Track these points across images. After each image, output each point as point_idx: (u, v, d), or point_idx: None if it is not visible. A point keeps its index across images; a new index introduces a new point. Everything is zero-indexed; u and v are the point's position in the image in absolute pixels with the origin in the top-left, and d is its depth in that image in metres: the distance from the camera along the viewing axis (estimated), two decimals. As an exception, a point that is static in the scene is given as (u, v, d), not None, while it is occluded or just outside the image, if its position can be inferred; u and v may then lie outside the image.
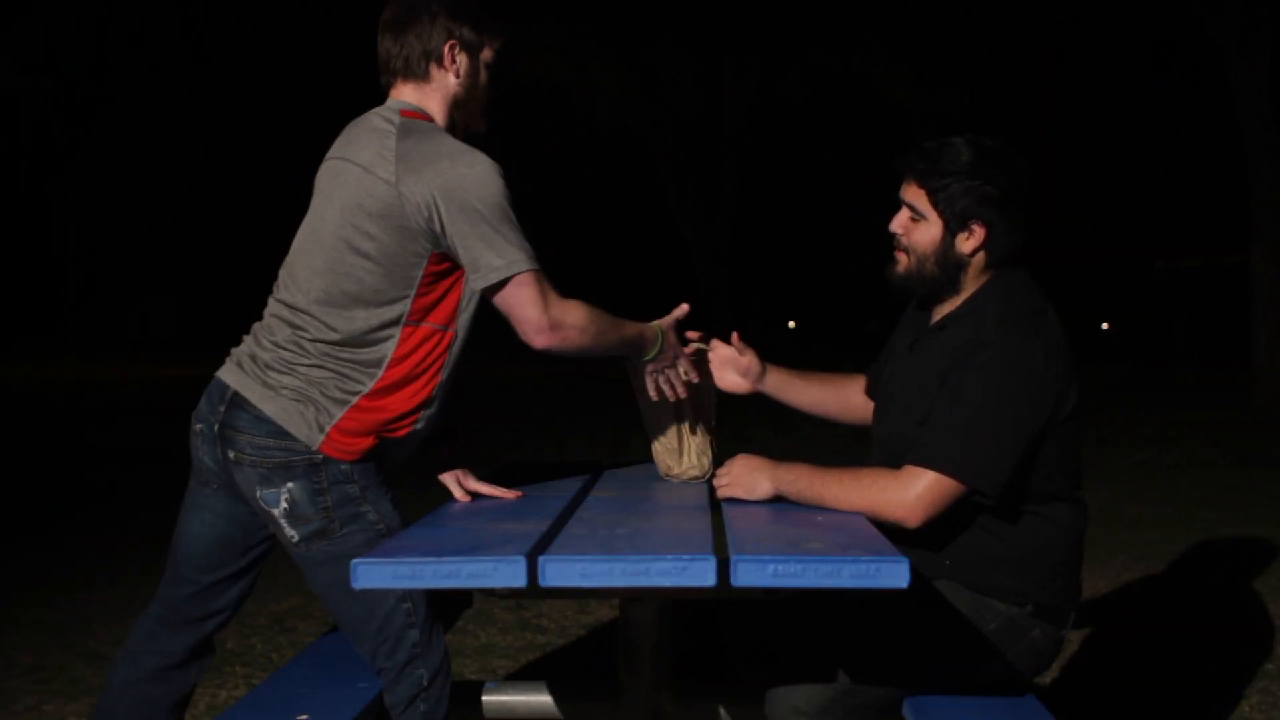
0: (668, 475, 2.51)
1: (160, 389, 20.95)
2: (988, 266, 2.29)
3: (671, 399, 2.40)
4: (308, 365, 2.14)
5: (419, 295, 2.13)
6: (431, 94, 2.23)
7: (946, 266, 2.28)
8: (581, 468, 2.81)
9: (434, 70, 2.22)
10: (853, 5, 25.01)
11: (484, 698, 2.64)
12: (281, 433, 2.12)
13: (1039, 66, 32.05)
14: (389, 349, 2.14)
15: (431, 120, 2.21)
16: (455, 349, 2.21)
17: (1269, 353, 14.27)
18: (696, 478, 2.48)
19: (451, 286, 2.16)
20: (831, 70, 26.12)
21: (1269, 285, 14.25)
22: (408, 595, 2.15)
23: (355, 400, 2.13)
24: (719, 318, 28.40)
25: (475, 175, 2.08)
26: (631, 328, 2.28)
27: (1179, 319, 31.73)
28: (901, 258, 2.32)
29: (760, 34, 26.29)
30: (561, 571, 1.68)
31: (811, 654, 2.20)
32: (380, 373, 2.14)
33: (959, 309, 2.29)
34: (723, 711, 2.51)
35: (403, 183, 2.07)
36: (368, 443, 2.15)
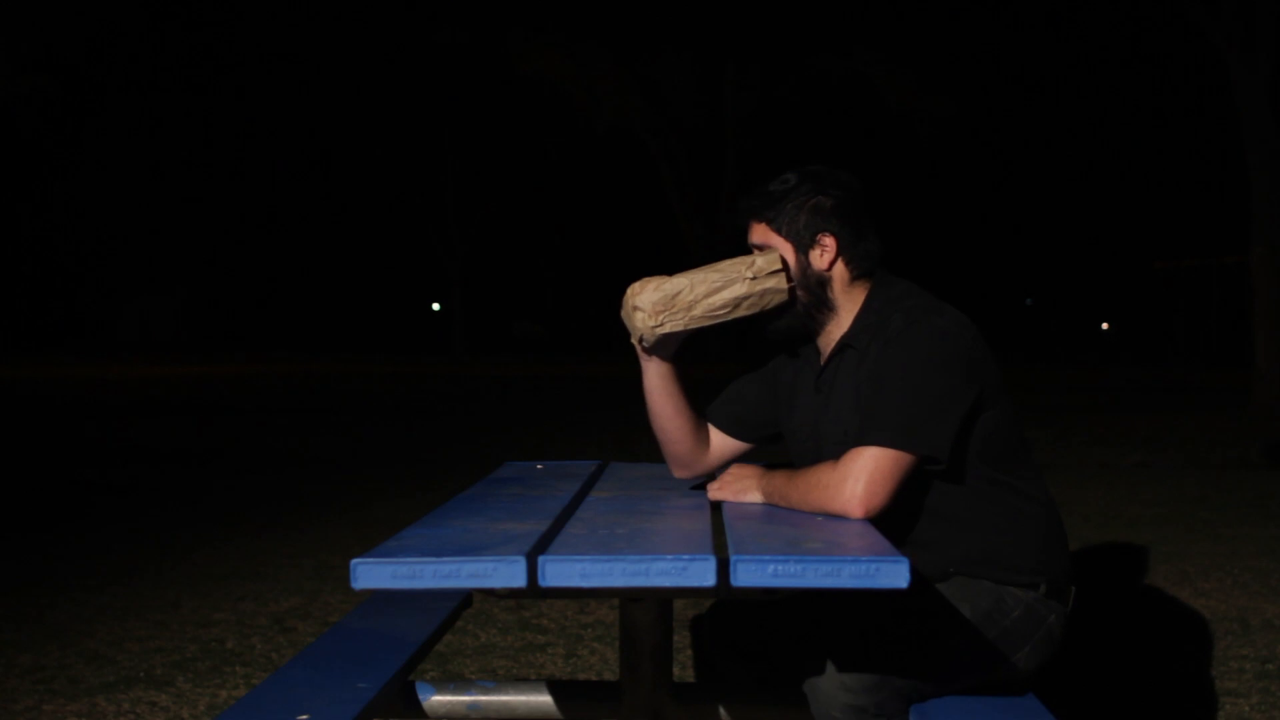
0: (633, 299, 2.24)
1: (160, 388, 20.96)
2: (854, 279, 2.30)
3: None
4: None
5: None
6: None
7: (811, 287, 2.29)
8: (581, 468, 2.81)
9: None
10: (852, 10, 25.05)
11: (484, 698, 2.64)
12: None
13: (1039, 69, 32.05)
14: None
15: None
16: None
17: (1267, 353, 14.29)
18: (640, 325, 2.24)
19: None
20: (831, 74, 26.17)
21: (1268, 286, 14.27)
22: None
23: None
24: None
25: None
26: None
27: (1178, 319, 31.74)
28: None
29: (761, 39, 26.31)
30: (561, 571, 1.68)
31: (812, 653, 2.20)
32: None
33: (852, 327, 2.29)
34: (723, 711, 2.51)
35: None
36: None
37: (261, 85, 37.39)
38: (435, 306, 51.28)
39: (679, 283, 2.22)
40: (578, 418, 14.65)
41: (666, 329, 2.22)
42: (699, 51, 27.12)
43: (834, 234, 2.28)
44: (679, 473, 2.52)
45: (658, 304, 2.21)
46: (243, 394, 19.77)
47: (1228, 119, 15.24)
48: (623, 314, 2.27)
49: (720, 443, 2.50)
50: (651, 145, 28.69)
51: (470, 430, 13.06)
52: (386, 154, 39.19)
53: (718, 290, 2.23)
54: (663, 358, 2.34)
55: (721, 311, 2.23)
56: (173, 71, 36.28)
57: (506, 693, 2.65)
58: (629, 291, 2.25)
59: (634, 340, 2.29)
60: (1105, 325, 45.84)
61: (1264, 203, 14.29)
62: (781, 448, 2.48)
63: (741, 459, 2.51)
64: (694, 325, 2.24)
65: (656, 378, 2.38)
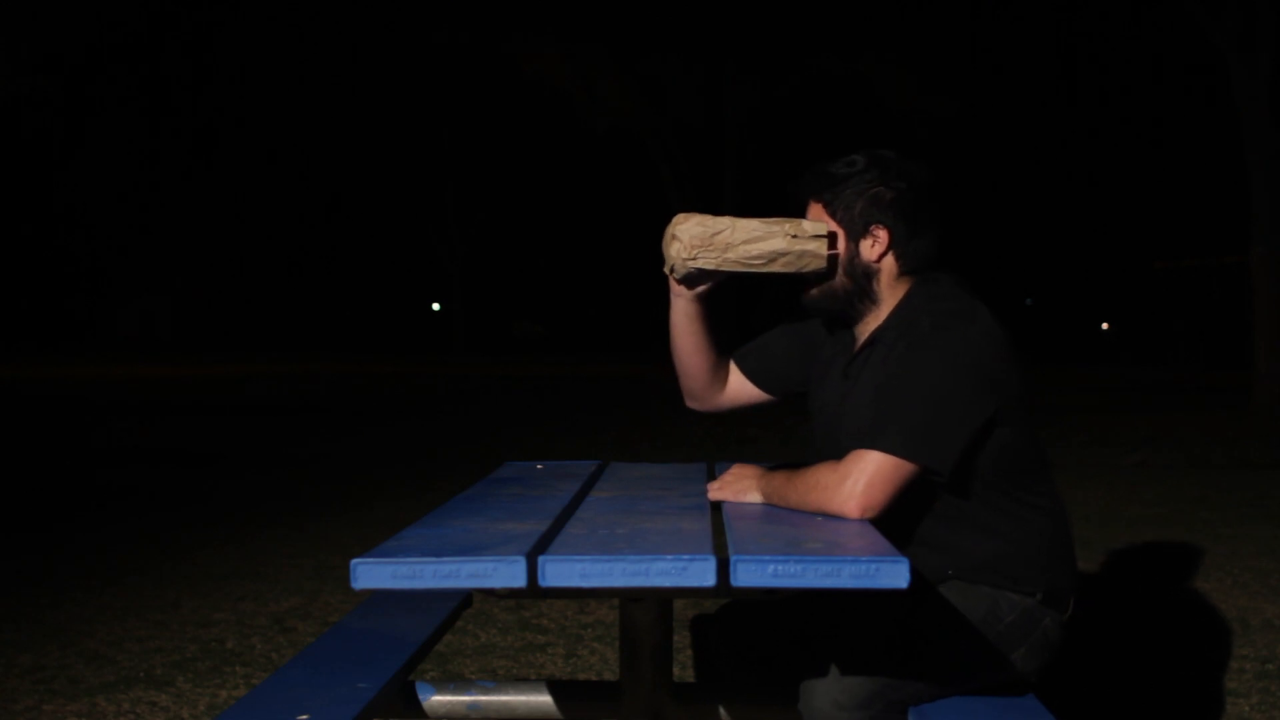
0: (673, 229, 2.29)
1: (160, 388, 20.96)
2: (902, 274, 2.28)
3: None
4: None
5: None
6: None
7: (856, 276, 2.27)
8: (581, 468, 2.81)
9: None
10: (853, 11, 25.04)
11: (484, 698, 2.64)
12: None
13: (1040, 69, 32.04)
14: None
15: None
16: None
17: (1267, 353, 14.30)
18: (674, 255, 2.27)
19: None
20: (832, 74, 26.16)
21: (1268, 286, 14.27)
22: None
23: None
24: (719, 318, 28.42)
25: None
26: None
27: (1178, 319, 31.72)
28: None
29: (761, 39, 26.31)
30: (561, 571, 1.68)
31: (808, 662, 2.20)
32: None
33: (886, 321, 2.27)
34: (723, 711, 2.51)
35: None
36: None
37: (261, 85, 37.39)
38: (435, 306, 51.30)
39: (722, 222, 2.23)
40: (578, 418, 14.65)
41: (699, 264, 2.24)
42: (699, 51, 27.11)
43: (888, 227, 2.25)
44: (690, 404, 2.60)
45: (696, 238, 2.23)
46: (242, 394, 19.77)
47: (1228, 119, 15.24)
48: (662, 242, 2.28)
49: (738, 385, 2.55)
50: (651, 145, 28.68)
51: (470, 430, 13.06)
52: (387, 154, 39.20)
53: (757, 240, 2.22)
54: (692, 294, 2.36)
55: (756, 261, 2.23)
56: (173, 71, 36.27)
57: (506, 693, 2.65)
58: (673, 220, 2.27)
59: (665, 269, 2.30)
60: (1105, 325, 45.83)
61: (1264, 203, 14.30)
62: (792, 426, 2.50)
63: (758, 408, 2.59)
64: (726, 268, 2.24)
65: (682, 314, 2.41)
